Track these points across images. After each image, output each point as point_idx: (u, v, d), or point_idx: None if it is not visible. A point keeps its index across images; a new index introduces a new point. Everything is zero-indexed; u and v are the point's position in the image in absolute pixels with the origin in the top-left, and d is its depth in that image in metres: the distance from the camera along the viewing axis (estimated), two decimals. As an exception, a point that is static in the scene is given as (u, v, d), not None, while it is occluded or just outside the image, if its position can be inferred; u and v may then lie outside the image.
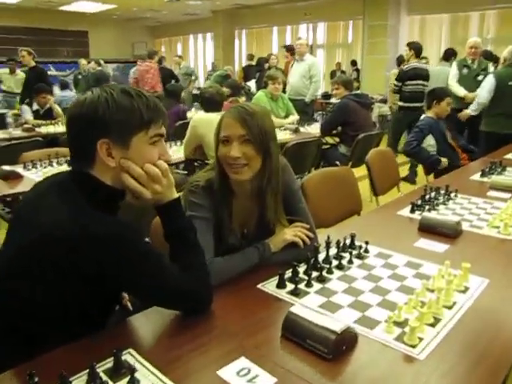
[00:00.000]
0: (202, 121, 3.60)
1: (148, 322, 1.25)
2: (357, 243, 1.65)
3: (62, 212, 1.07)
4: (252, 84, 7.71)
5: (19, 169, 3.10)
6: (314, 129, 4.84)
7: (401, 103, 5.59)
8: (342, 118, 4.30)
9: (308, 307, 1.23)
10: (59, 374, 0.94)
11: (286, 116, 5.07)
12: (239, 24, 14.01)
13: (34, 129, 5.10)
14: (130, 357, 1.07)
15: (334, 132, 4.53)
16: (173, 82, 7.98)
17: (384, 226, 1.96)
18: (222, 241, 1.55)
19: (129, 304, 1.52)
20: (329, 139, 4.85)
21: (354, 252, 1.60)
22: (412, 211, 2.05)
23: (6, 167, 3.01)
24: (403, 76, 5.42)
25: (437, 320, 1.19)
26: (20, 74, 7.63)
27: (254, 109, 1.51)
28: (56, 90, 8.26)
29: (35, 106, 5.56)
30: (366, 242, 1.63)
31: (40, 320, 1.09)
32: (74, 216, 1.06)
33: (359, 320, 1.20)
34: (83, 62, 10.18)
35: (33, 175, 2.98)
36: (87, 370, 0.98)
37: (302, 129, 4.80)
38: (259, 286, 1.41)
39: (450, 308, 1.25)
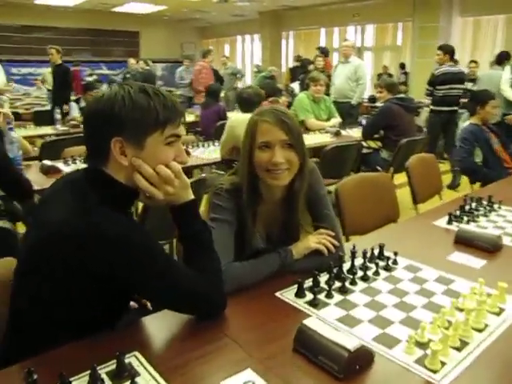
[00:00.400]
0: (239, 121, 3.56)
1: (158, 325, 1.22)
2: (386, 254, 1.56)
3: (71, 209, 1.06)
4: (296, 86, 7.64)
5: (60, 164, 3.18)
6: (355, 132, 4.71)
7: (433, 107, 5.50)
8: (385, 122, 4.17)
9: (324, 320, 1.17)
10: (59, 374, 0.92)
11: (328, 118, 4.97)
12: (286, 25, 13.96)
13: (79, 125, 5.24)
14: (134, 360, 1.05)
15: (376, 136, 4.39)
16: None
17: (417, 237, 1.86)
18: (247, 245, 1.51)
19: (149, 303, 1.50)
20: (371, 143, 4.72)
21: (382, 263, 1.52)
22: (449, 222, 1.93)
23: (48, 162, 3.09)
24: (434, 81, 5.29)
25: (464, 343, 1.10)
26: None
27: (287, 111, 1.47)
28: (104, 88, 8.52)
29: (83, 103, 5.73)
30: (395, 253, 1.54)
31: (47, 318, 1.09)
32: (83, 213, 1.05)
33: (378, 337, 1.12)
34: (132, 61, 10.42)
35: (71, 170, 3.04)
36: (89, 371, 0.96)
37: (343, 132, 4.69)
38: (277, 293, 1.36)
39: (480, 331, 1.15)
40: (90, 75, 11.37)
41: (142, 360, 1.04)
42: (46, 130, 5.20)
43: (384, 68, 11.20)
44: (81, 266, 1.03)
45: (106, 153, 1.09)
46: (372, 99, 9.29)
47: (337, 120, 4.95)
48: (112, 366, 1.00)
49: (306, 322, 1.09)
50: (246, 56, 16.55)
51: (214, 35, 17.54)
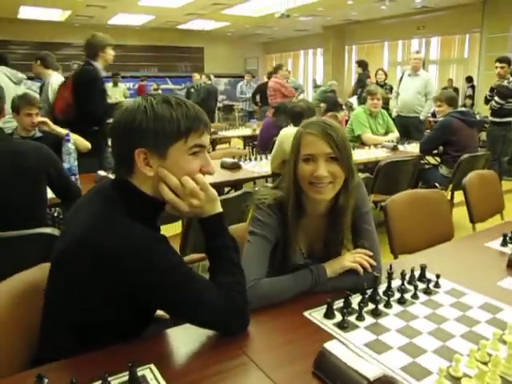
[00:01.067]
0: (289, 135, 3.49)
1: (177, 339, 1.20)
2: (428, 275, 1.45)
3: (94, 220, 1.07)
4: (354, 100, 7.51)
5: (113, 175, 3.28)
6: (414, 147, 4.52)
7: (492, 118, 5.30)
8: (444, 137, 3.96)
9: (350, 344, 1.10)
10: (70, 381, 0.92)
11: (386, 133, 4.82)
12: (349, 39, 13.83)
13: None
14: (149, 372, 1.03)
15: (435, 151, 4.19)
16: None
17: (466, 259, 1.72)
18: (287, 260, 1.46)
19: None
20: (430, 159, 4.51)
21: (422, 286, 1.41)
22: (504, 244, 1.77)
23: (102, 172, 3.19)
24: (506, 94, 5.01)
25: (506, 382, 0.98)
26: (121, 86, 8.27)
27: (334, 124, 1.42)
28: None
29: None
30: (437, 276, 1.43)
31: (70, 326, 1.10)
32: (106, 224, 1.06)
33: (407, 367, 1.03)
34: (196, 76, 10.74)
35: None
36: (100, 381, 0.95)
37: (400, 147, 4.52)
38: (306, 313, 1.30)
39: (525, 368, 1.03)
40: (156, 90, 11.81)
41: (157, 373, 1.02)
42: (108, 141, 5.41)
43: (449, 81, 10.78)
44: (98, 277, 1.04)
45: (131, 164, 1.10)
46: (434, 114, 8.96)
47: (394, 135, 4.79)
48: (125, 377, 0.99)
49: (328, 345, 1.02)
50: (308, 70, 16.56)
51: (276, 50, 17.72)
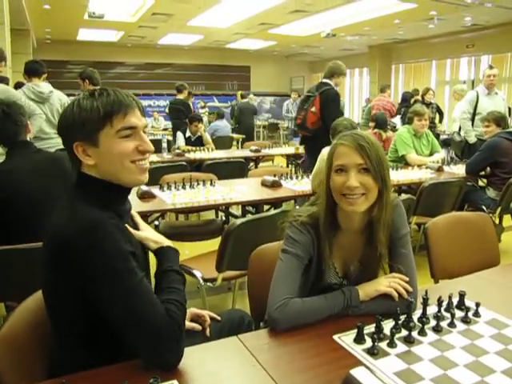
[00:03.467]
0: (330, 154, 3.49)
1: (202, 356, 1.18)
2: (467, 303, 1.38)
3: (56, 213, 1.15)
4: (397, 120, 7.38)
5: (155, 189, 3.35)
6: (460, 169, 4.38)
7: None
8: (492, 159, 3.81)
9: (378, 372, 1.05)
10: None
11: (431, 154, 4.69)
12: (396, 58, 13.67)
13: (184, 154, 5.53)
14: (171, 389, 1.02)
15: (482, 173, 4.03)
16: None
17: (511, 287, 1.63)
18: (320, 279, 1.44)
19: (208, 330, 1.49)
20: (477, 181, 4.35)
21: (460, 314, 1.34)
22: (553, 274, 1.67)
23: (144, 187, 3.27)
24: None
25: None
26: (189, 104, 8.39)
27: (369, 136, 1.41)
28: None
29: (188, 133, 6.07)
30: (477, 304, 1.35)
31: (68, 336, 1.17)
32: (63, 213, 1.13)
33: (439, 401, 0.97)
34: (239, 94, 10.93)
35: (164, 196, 3.19)
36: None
37: (446, 168, 4.38)
38: (335, 336, 1.26)
39: None
40: (203, 107, 12.07)
41: (179, 390, 1.02)
42: (153, 157, 5.55)
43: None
44: (62, 272, 1.10)
45: (76, 157, 1.19)
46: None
47: (440, 155, 4.65)
48: (147, 392, 0.99)
49: (354, 371, 0.98)
50: (354, 90, 16.46)
51: (322, 69, 17.59)
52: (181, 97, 7.07)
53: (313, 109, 4.56)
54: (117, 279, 1.07)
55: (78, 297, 1.10)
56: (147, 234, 1.30)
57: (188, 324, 1.47)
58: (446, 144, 7.08)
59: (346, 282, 1.47)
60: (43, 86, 3.99)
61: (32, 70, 3.97)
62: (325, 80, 4.76)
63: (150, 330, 1.07)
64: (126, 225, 1.23)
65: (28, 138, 2.38)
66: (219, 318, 1.53)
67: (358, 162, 1.35)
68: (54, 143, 3.89)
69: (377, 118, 6.21)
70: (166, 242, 1.30)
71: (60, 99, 4.09)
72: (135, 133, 1.19)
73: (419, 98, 7.52)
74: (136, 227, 1.32)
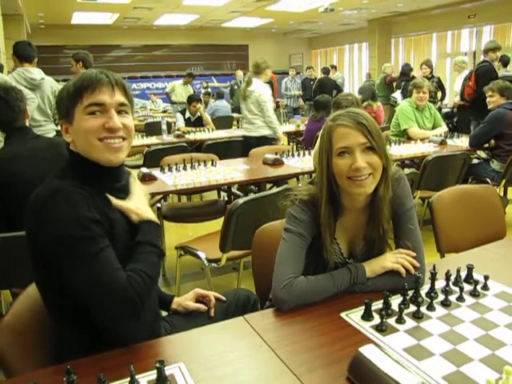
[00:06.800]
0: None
1: (209, 337, 1.17)
2: (475, 277, 1.36)
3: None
4: (398, 95, 7.27)
5: (156, 171, 3.32)
6: (463, 141, 4.32)
7: None
8: (496, 130, 3.75)
9: (388, 349, 1.04)
10: (98, 377, 0.92)
11: (433, 127, 4.63)
12: (395, 32, 13.45)
13: (184, 135, 5.48)
14: (178, 371, 1.01)
15: (486, 145, 3.98)
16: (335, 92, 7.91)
17: (520, 260, 1.61)
18: (324, 259, 1.41)
19: (213, 310, 1.48)
20: (481, 153, 4.30)
21: (468, 287, 1.32)
22: (562, 244, 1.64)
23: (145, 169, 3.24)
24: None
25: (561, 395, 0.89)
26: (189, 87, 8.28)
27: (364, 112, 1.35)
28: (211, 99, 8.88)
29: (187, 114, 6.01)
30: (486, 277, 1.33)
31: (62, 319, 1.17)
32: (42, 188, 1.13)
33: (450, 376, 0.95)
34: (239, 73, 10.79)
35: (166, 178, 3.16)
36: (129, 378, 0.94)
37: (449, 141, 4.33)
38: (343, 314, 1.24)
39: None
40: (206, 88, 11.93)
41: (185, 372, 1.01)
42: (152, 139, 5.51)
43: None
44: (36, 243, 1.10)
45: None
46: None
47: (442, 129, 4.59)
48: (153, 375, 0.98)
49: (363, 349, 0.97)
50: (354, 65, 16.26)
51: (321, 45, 17.50)
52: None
53: (470, 83, 5.48)
54: (71, 245, 1.05)
55: (54, 273, 1.09)
56: (129, 205, 1.24)
57: (193, 305, 1.46)
58: (447, 117, 7.00)
59: (352, 261, 1.44)
60: (35, 71, 3.83)
61: (25, 56, 3.81)
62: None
63: (106, 298, 1.06)
64: (109, 195, 1.20)
65: (27, 124, 2.35)
66: (224, 299, 1.52)
67: (361, 141, 1.29)
68: (44, 130, 3.79)
69: (363, 89, 6.11)
70: (148, 215, 1.25)
71: (51, 86, 3.95)
72: (104, 110, 1.17)
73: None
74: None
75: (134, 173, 3.28)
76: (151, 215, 1.26)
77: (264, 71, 4.70)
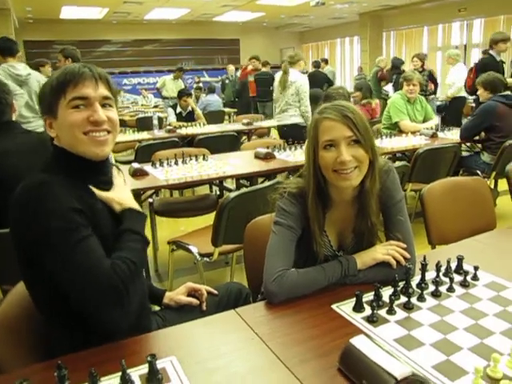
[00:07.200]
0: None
1: (201, 331, 1.17)
2: (465, 267, 1.37)
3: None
4: (389, 88, 7.29)
5: (147, 166, 3.30)
6: (454, 134, 4.34)
7: None
8: (487, 123, 3.77)
9: (378, 339, 1.04)
10: (89, 372, 0.91)
11: (424, 120, 4.65)
12: (387, 26, 13.47)
13: (176, 130, 5.45)
14: (169, 365, 1.01)
15: (477, 138, 4.00)
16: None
17: (508, 250, 1.62)
18: (314, 252, 1.41)
19: (204, 304, 1.48)
20: (471, 145, 4.32)
21: (458, 278, 1.33)
22: (551, 235, 1.66)
23: (136, 164, 3.22)
24: None
25: (549, 382, 0.90)
26: (180, 81, 8.22)
27: (351, 106, 1.35)
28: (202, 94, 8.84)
29: (178, 109, 5.98)
30: (476, 268, 1.34)
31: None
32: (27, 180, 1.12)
33: (439, 365, 0.96)
34: (231, 67, 10.72)
35: (157, 173, 3.14)
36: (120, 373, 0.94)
37: (440, 134, 4.35)
38: (334, 306, 1.25)
39: None
40: (197, 82, 11.87)
41: (177, 366, 1.01)
42: (143, 135, 5.48)
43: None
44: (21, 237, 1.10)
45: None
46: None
47: (433, 121, 4.61)
48: (145, 369, 0.97)
49: (354, 340, 0.97)
50: (345, 59, 16.27)
51: (313, 39, 17.49)
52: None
53: (471, 75, 5.54)
54: (53, 236, 1.05)
55: (38, 271, 1.09)
56: (112, 195, 1.23)
57: (185, 299, 1.46)
58: (439, 111, 7.03)
59: (341, 254, 1.44)
60: (20, 67, 3.76)
61: (7, 49, 3.70)
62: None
63: (90, 284, 1.05)
64: (91, 186, 1.20)
65: (14, 118, 2.31)
66: (216, 293, 1.52)
67: (347, 134, 1.29)
68: (34, 127, 3.71)
69: (361, 86, 6.11)
70: (131, 205, 1.24)
71: (38, 81, 3.86)
72: (88, 104, 1.17)
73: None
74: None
75: (125, 168, 3.28)
76: (134, 205, 1.25)
77: (298, 62, 4.88)
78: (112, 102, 1.21)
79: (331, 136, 1.30)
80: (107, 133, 1.19)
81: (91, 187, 1.19)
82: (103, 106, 1.19)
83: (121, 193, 1.26)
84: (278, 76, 4.99)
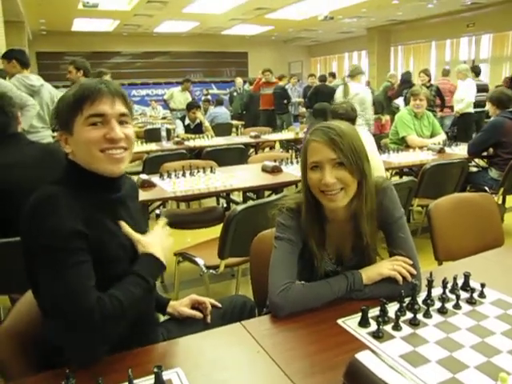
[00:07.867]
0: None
1: (206, 343, 1.18)
2: (472, 284, 1.37)
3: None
4: (400, 101, 7.31)
5: (155, 178, 3.32)
6: (462, 149, 4.34)
7: None
8: (495, 139, 3.77)
9: (384, 355, 1.04)
10: (96, 382, 0.92)
11: (432, 135, 4.65)
12: (395, 40, 13.55)
13: (184, 142, 5.49)
14: (175, 377, 1.02)
15: (485, 154, 4.00)
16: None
17: (516, 268, 1.61)
18: (316, 267, 1.41)
19: (209, 317, 1.48)
20: (479, 161, 4.31)
21: (465, 295, 1.33)
22: (558, 252, 1.65)
23: (144, 176, 3.25)
24: None
25: (556, 402, 0.90)
26: (187, 93, 8.28)
27: (341, 128, 1.35)
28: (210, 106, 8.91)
29: (187, 121, 6.02)
30: (482, 285, 1.34)
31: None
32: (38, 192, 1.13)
33: (445, 383, 0.96)
34: (239, 80, 10.80)
35: (165, 184, 3.17)
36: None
37: (447, 149, 4.35)
38: (340, 320, 1.25)
39: None
40: (206, 95, 11.97)
41: (183, 378, 1.01)
42: (152, 146, 5.52)
43: (506, 80, 10.26)
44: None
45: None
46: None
47: (440, 137, 4.61)
48: (150, 380, 0.98)
49: (359, 355, 0.97)
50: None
51: (321, 53, 17.61)
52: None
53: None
54: (49, 254, 1.05)
55: (36, 278, 1.09)
56: (139, 237, 1.23)
57: (188, 311, 1.46)
58: (452, 125, 7.04)
59: (340, 268, 1.45)
60: (33, 78, 3.87)
61: (25, 62, 3.87)
62: None
63: (70, 308, 1.02)
64: (122, 222, 1.20)
65: (20, 130, 2.35)
66: (220, 305, 1.52)
67: (331, 157, 1.30)
68: (41, 136, 3.80)
69: (375, 101, 6.14)
70: (153, 251, 1.22)
71: (50, 92, 3.98)
72: (105, 121, 1.16)
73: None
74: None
75: (134, 179, 3.30)
76: (158, 253, 1.23)
77: (356, 76, 5.44)
78: (128, 118, 1.21)
79: (316, 158, 1.32)
80: (124, 150, 1.19)
81: (121, 222, 1.20)
82: (120, 122, 1.18)
83: (150, 238, 1.25)
84: (339, 89, 5.64)
